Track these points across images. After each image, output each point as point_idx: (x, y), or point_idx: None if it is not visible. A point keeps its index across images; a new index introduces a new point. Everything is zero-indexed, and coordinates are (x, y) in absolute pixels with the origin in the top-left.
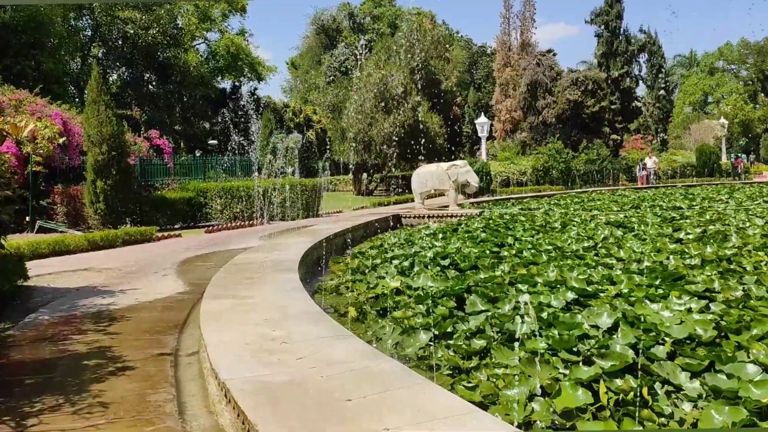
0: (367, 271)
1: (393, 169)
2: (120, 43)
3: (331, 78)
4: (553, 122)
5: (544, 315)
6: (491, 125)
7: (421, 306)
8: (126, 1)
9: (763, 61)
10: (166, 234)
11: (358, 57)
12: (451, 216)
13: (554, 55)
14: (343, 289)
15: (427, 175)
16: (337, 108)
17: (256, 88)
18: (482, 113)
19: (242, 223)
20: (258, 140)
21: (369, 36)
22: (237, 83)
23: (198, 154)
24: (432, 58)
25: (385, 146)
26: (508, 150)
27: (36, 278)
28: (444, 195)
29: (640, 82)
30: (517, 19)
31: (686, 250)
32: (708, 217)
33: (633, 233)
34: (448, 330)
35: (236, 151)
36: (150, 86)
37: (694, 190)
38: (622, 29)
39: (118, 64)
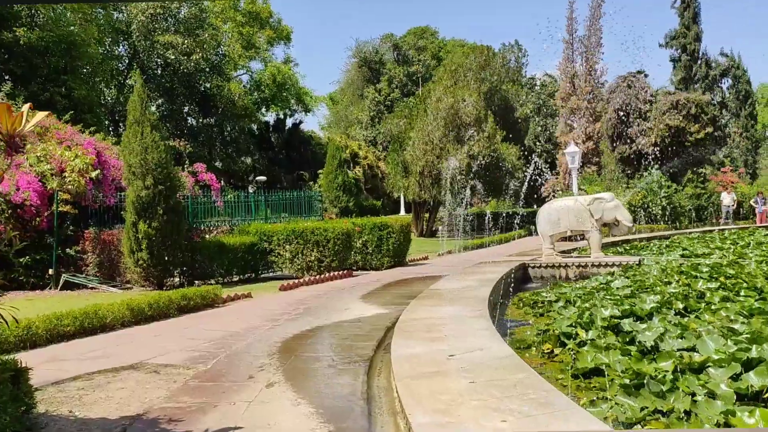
0: (664, 388)
1: (467, 207)
2: (159, 71)
3: (375, 112)
4: (649, 152)
5: None
6: (555, 159)
7: None
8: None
9: None
10: (232, 294)
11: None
12: (598, 266)
13: (645, 76)
14: None
15: (561, 211)
16: (396, 139)
17: (301, 121)
18: (571, 143)
19: (318, 276)
20: (324, 174)
21: (414, 68)
22: (282, 115)
23: (252, 191)
24: (504, 83)
25: (474, 180)
26: (597, 184)
27: (51, 395)
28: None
29: (724, 110)
30: (582, 44)
31: None
32: None
33: None
34: None
35: (286, 188)
36: (190, 119)
37: None
38: (701, 52)
39: (156, 94)
